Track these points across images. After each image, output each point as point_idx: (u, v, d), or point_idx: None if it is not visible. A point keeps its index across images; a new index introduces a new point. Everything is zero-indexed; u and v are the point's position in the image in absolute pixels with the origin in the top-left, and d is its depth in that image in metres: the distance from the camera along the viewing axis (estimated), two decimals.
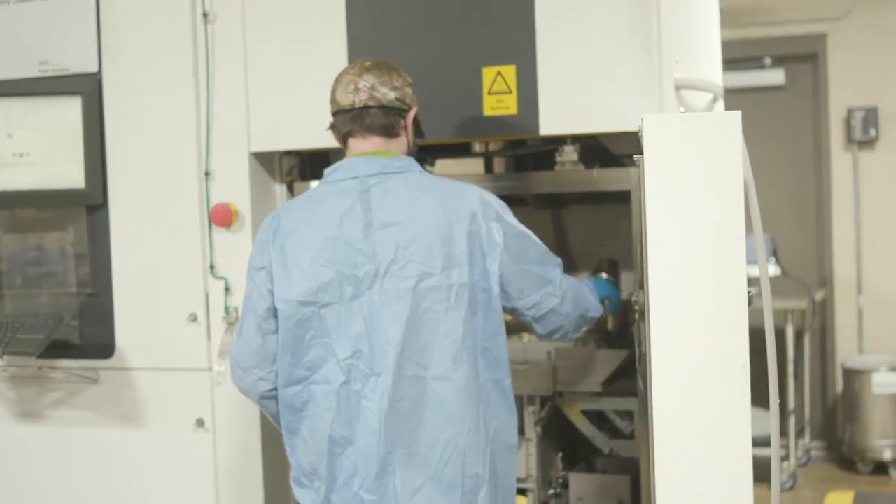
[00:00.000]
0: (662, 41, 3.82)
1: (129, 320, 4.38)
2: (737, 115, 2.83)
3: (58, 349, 4.39)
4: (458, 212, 3.26)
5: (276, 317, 3.37)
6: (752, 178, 3.05)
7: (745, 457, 2.81)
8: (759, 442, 7.80)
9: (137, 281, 4.36)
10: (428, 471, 3.20)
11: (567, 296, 3.45)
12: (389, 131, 3.42)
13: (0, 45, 4.50)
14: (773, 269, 7.99)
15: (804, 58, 8.84)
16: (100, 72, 4.37)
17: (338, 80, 3.44)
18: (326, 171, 3.48)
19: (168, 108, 4.30)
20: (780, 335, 7.96)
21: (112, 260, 4.39)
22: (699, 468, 2.84)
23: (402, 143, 3.46)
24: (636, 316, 3.51)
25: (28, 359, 4.30)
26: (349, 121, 3.41)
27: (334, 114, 3.46)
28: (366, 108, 3.38)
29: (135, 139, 4.33)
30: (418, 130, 3.59)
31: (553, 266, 3.44)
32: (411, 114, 3.46)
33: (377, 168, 3.35)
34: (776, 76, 8.87)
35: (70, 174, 4.37)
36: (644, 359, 3.39)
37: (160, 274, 4.31)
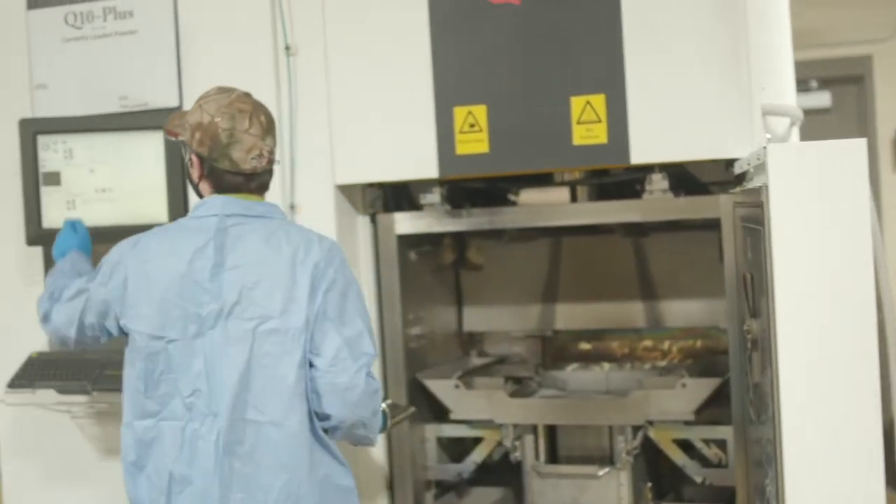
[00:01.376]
0: (752, 68, 3.82)
1: None
2: (862, 142, 2.81)
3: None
4: (304, 259, 3.26)
5: (97, 331, 3.47)
6: (874, 205, 3.03)
7: (878, 486, 2.78)
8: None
9: None
10: None
11: (355, 389, 3.24)
12: (268, 185, 3.47)
13: (81, 80, 4.49)
14: None
15: (850, 80, 8.81)
16: (181, 106, 4.36)
17: (234, 137, 3.31)
18: (193, 206, 3.47)
19: None
20: None
21: None
22: (833, 497, 2.81)
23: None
24: (748, 345, 3.47)
25: (115, 395, 4.28)
26: (243, 179, 3.35)
27: (223, 170, 3.34)
28: (265, 171, 3.41)
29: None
30: None
31: (363, 352, 3.28)
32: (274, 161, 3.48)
33: (239, 209, 3.34)
34: (822, 99, 8.84)
35: (152, 209, 4.35)
36: (757, 388, 3.37)
37: None
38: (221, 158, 3.31)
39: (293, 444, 3.20)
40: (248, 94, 3.41)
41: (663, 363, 4.78)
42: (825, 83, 8.87)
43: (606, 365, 4.81)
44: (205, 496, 3.21)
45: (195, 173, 3.40)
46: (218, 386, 3.20)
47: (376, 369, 4.38)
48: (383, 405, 3.55)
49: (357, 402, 3.23)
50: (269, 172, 3.42)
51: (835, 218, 2.81)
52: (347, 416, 3.24)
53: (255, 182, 3.37)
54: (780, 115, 4.14)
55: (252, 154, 3.32)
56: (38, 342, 4.54)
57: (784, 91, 4.44)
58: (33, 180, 4.39)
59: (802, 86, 8.77)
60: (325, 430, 3.28)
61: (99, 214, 4.41)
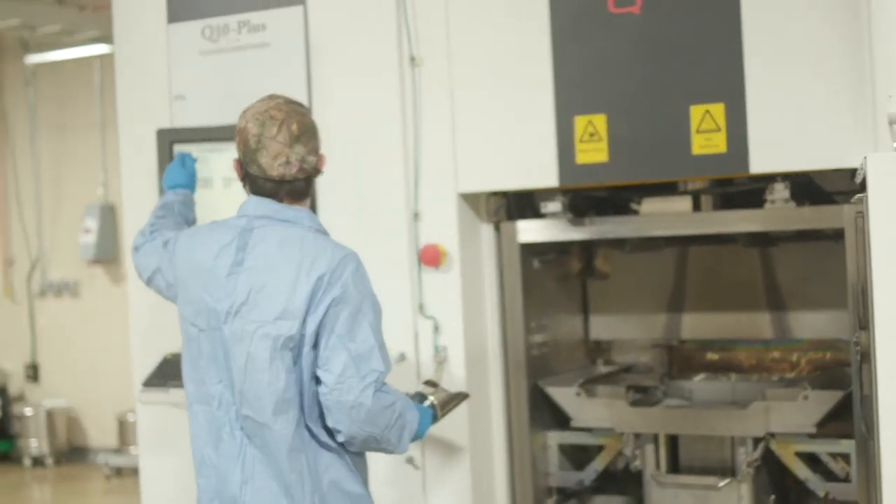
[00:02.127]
0: (876, 75, 3.75)
1: None
2: None
3: None
4: (309, 270, 3.27)
5: (164, 292, 3.73)
6: None
7: None
8: None
9: None
10: None
11: (362, 407, 3.24)
12: (307, 193, 3.48)
13: (216, 91, 4.64)
14: None
15: None
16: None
17: (262, 143, 3.37)
18: None
19: (377, 151, 4.38)
20: None
21: None
22: None
23: (308, 199, 3.52)
24: (857, 357, 3.41)
25: None
26: (275, 188, 3.41)
27: (255, 175, 3.42)
28: (296, 179, 3.41)
29: (345, 182, 4.41)
30: None
31: (371, 369, 3.26)
32: (322, 159, 3.50)
33: (267, 212, 3.40)
34: None
35: None
36: (867, 401, 3.31)
37: None
38: (251, 163, 3.40)
39: (285, 446, 3.26)
40: (290, 102, 3.46)
41: (791, 375, 4.72)
42: None
43: (734, 376, 4.76)
44: (227, 481, 3.35)
45: (238, 175, 3.51)
46: (235, 379, 3.32)
47: (497, 374, 4.44)
48: (431, 399, 3.59)
49: (365, 420, 3.25)
50: (304, 181, 3.43)
51: None
52: (357, 432, 3.27)
53: (285, 189, 3.41)
54: None
55: (279, 161, 3.36)
56: (174, 344, 4.70)
57: None
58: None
59: None
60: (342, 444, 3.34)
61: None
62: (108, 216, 10.59)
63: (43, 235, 11.32)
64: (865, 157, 2.83)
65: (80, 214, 10.80)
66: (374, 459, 4.33)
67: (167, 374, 4.53)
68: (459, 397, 3.87)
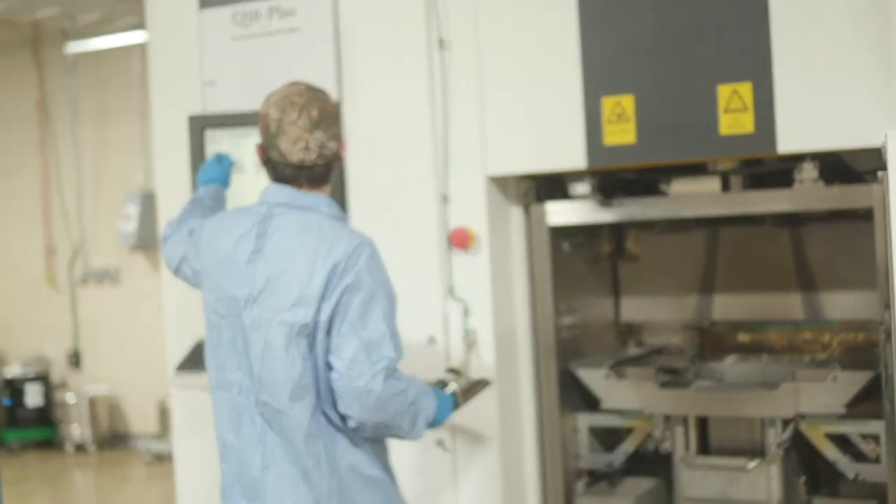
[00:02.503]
0: None
1: None
2: None
3: None
4: (325, 257, 3.31)
5: (191, 280, 3.78)
6: None
7: None
8: None
9: None
10: (292, 493, 3.35)
11: (372, 392, 3.29)
12: (326, 179, 3.50)
13: (247, 77, 4.67)
14: None
15: None
16: (340, 100, 4.49)
17: (282, 128, 3.41)
18: None
19: (406, 134, 4.40)
20: None
21: None
22: None
23: (329, 185, 3.54)
24: (882, 337, 3.40)
25: None
26: (295, 172, 3.45)
27: (275, 160, 3.46)
28: (315, 165, 3.44)
29: (375, 166, 4.44)
30: None
31: (382, 356, 3.31)
32: (343, 148, 3.54)
33: (286, 199, 3.45)
34: None
35: None
36: (890, 381, 3.30)
37: (402, 297, 4.34)
38: (271, 148, 3.43)
39: (302, 432, 3.32)
40: (311, 89, 3.49)
41: (823, 356, 4.70)
42: None
43: (765, 357, 4.75)
44: (248, 466, 3.40)
45: (260, 160, 3.54)
46: (253, 365, 3.37)
47: (526, 356, 4.45)
48: (453, 387, 3.61)
49: (375, 406, 3.29)
50: (323, 167, 3.46)
51: None
52: (367, 418, 3.31)
53: (304, 174, 3.44)
54: None
55: (298, 146, 3.39)
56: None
57: None
58: None
59: None
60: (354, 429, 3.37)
61: None
62: (149, 203, 10.65)
63: (84, 223, 11.42)
64: (886, 135, 2.81)
65: (120, 202, 10.89)
66: (404, 443, 4.38)
67: (200, 357, 4.55)
68: (482, 384, 3.90)
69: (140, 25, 9.57)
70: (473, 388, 3.83)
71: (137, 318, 10.95)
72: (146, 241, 10.74)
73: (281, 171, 3.46)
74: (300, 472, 3.33)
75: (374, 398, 3.27)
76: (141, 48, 10.56)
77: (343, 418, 3.35)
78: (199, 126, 4.61)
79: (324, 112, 3.44)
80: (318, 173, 3.46)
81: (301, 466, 3.33)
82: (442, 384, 3.72)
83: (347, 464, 3.37)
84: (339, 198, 4.44)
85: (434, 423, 3.56)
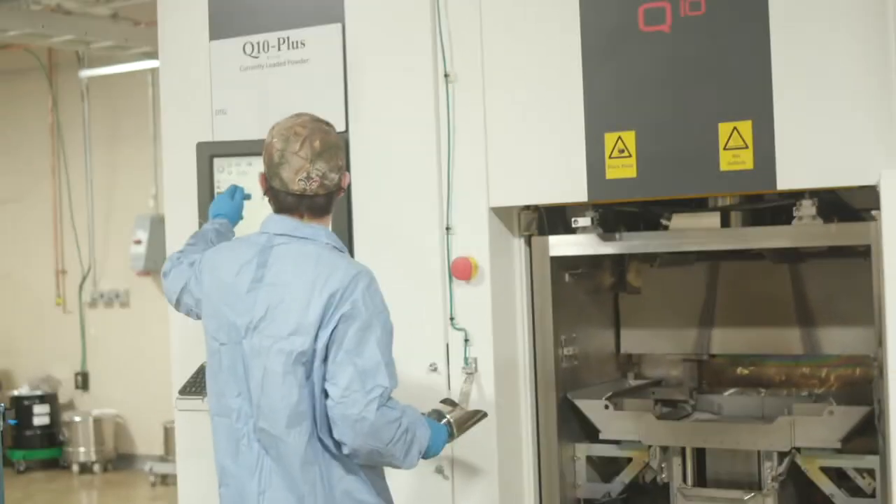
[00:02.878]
0: None
1: None
2: None
3: None
4: (322, 287, 3.36)
5: (192, 312, 3.85)
6: None
7: None
8: None
9: None
10: None
11: (367, 421, 3.32)
12: (327, 209, 3.55)
13: (257, 106, 4.74)
14: None
15: None
16: (346, 131, 4.56)
17: (284, 157, 3.47)
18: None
19: (411, 165, 4.46)
20: None
21: None
22: None
23: (330, 216, 3.59)
24: (876, 372, 3.45)
25: None
26: (296, 202, 3.50)
27: (277, 189, 3.51)
28: (316, 195, 3.49)
29: (379, 196, 4.50)
30: None
31: (376, 384, 3.34)
32: (346, 181, 3.57)
33: (286, 229, 3.50)
34: None
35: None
36: (883, 416, 3.35)
37: (404, 325, 4.38)
38: (274, 177, 3.50)
39: (298, 458, 3.37)
40: (316, 120, 3.55)
41: (820, 390, 4.74)
42: None
43: (763, 391, 4.80)
44: (245, 491, 3.46)
45: (262, 189, 3.60)
46: (252, 393, 3.43)
47: (526, 386, 4.49)
48: (448, 418, 3.66)
49: (368, 433, 3.32)
50: (324, 197, 3.51)
51: None
52: (360, 445, 3.34)
53: (305, 204, 3.49)
54: None
55: (300, 175, 3.45)
56: None
57: None
58: (208, 199, 4.65)
59: None
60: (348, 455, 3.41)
61: None
62: (158, 227, 10.71)
63: (94, 246, 11.52)
64: (881, 174, 2.87)
65: (130, 225, 10.98)
66: (404, 471, 4.41)
67: (203, 381, 4.61)
68: (478, 416, 3.93)
69: (154, 53, 9.69)
70: (469, 419, 3.87)
71: (145, 341, 11.03)
72: (155, 265, 10.83)
73: (282, 199, 3.51)
74: (296, 498, 3.38)
75: (367, 426, 3.31)
76: (153, 74, 10.69)
77: (338, 444, 3.39)
78: (208, 154, 4.68)
79: (326, 143, 3.50)
80: (319, 203, 3.52)
81: (297, 492, 3.38)
82: (438, 415, 3.77)
83: (342, 490, 3.41)
84: (344, 227, 4.51)
85: (428, 454, 3.59)
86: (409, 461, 3.49)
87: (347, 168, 3.69)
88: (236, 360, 3.46)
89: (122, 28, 9.54)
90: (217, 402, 3.54)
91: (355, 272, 3.41)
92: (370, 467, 3.49)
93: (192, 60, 4.93)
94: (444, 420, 3.73)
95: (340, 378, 3.33)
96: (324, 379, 3.37)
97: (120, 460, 11.35)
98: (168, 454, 10.50)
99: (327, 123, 3.58)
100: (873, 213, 3.12)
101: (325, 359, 3.36)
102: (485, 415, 4.02)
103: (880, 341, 3.33)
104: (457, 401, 4.12)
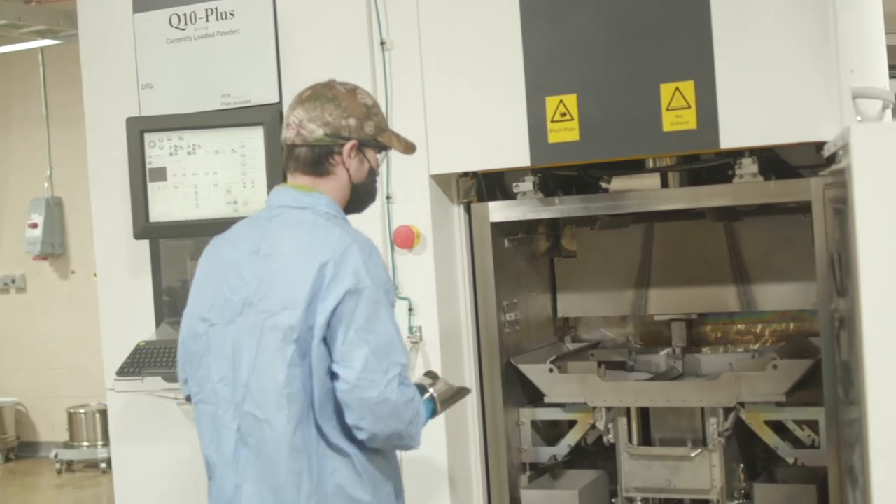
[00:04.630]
0: (840, 51, 3.86)
1: None
2: None
3: None
4: (315, 255, 3.11)
5: None
6: None
7: None
8: None
9: None
10: None
11: (387, 401, 3.08)
12: (319, 169, 3.29)
13: (185, 79, 4.66)
14: None
15: None
16: (280, 102, 4.51)
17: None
18: None
19: None
20: None
21: None
22: None
23: (336, 179, 3.32)
24: (836, 324, 3.51)
25: None
26: (285, 156, 3.34)
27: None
28: (294, 145, 3.30)
29: None
30: (389, 145, 3.43)
31: (393, 362, 3.11)
32: (348, 146, 3.28)
33: (286, 201, 3.29)
34: None
35: (255, 202, 4.50)
36: (845, 367, 3.41)
37: None
38: None
39: (284, 444, 3.11)
40: (338, 83, 3.36)
41: (757, 346, 4.83)
42: None
43: (706, 349, 4.86)
44: (223, 484, 3.24)
45: None
46: (238, 375, 3.18)
47: (470, 352, 4.50)
48: (430, 392, 3.46)
49: (390, 416, 3.09)
50: (307, 150, 3.28)
51: None
52: (381, 429, 3.10)
53: (292, 158, 3.30)
54: (870, 97, 4.16)
55: (283, 124, 3.32)
56: (146, 332, 4.73)
57: (875, 74, 4.46)
58: (140, 176, 4.57)
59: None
60: (362, 441, 3.15)
61: (203, 208, 4.57)
62: (54, 210, 10.54)
63: None
64: (848, 128, 2.92)
65: (25, 209, 10.73)
66: None
67: (141, 362, 4.55)
68: (462, 393, 3.81)
69: (47, 31, 9.47)
70: (453, 395, 3.76)
71: (44, 326, 10.81)
72: (52, 249, 10.61)
73: (283, 157, 3.37)
74: (270, 490, 3.13)
75: (389, 407, 3.08)
76: (43, 53, 10.44)
77: (345, 433, 3.15)
78: (137, 129, 4.59)
79: (316, 94, 3.31)
80: (304, 157, 3.29)
81: (273, 484, 3.13)
82: (421, 389, 3.61)
83: (335, 483, 3.15)
84: None
85: None
86: (418, 441, 3.26)
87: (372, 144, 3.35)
88: (225, 342, 3.21)
89: (14, 6, 9.28)
90: (201, 388, 3.30)
91: (350, 241, 3.15)
92: (367, 462, 3.19)
93: (115, 34, 4.83)
94: (427, 395, 3.49)
95: (355, 359, 3.06)
96: (324, 360, 3.10)
97: (22, 448, 11.12)
98: (73, 440, 10.31)
99: (349, 86, 3.37)
100: (832, 168, 3.16)
101: (326, 339, 3.09)
102: (469, 391, 3.85)
103: (840, 293, 3.39)
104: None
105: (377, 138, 3.36)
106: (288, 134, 3.29)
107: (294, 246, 3.18)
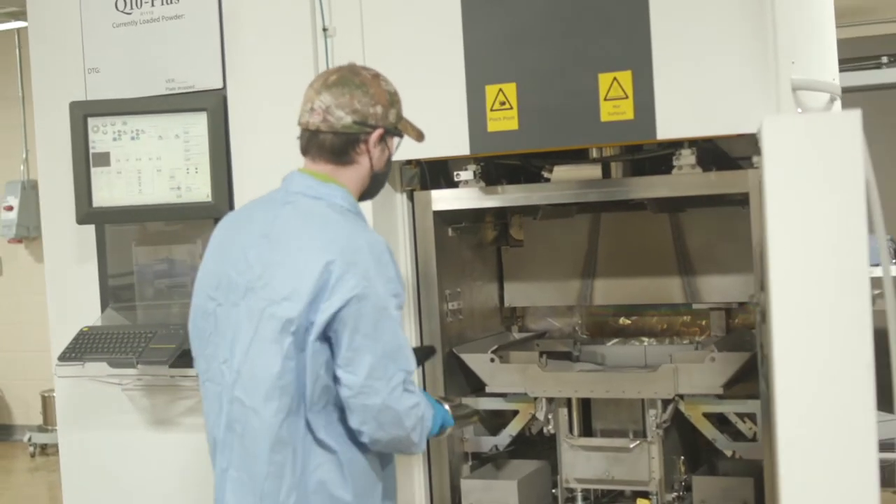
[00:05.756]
0: (778, 42, 3.83)
1: None
2: (857, 113, 2.84)
3: (188, 358, 4.49)
4: (322, 252, 3.06)
5: None
6: (873, 177, 3.05)
7: (870, 457, 2.81)
8: (887, 446, 7.66)
9: None
10: (245, 501, 3.15)
11: (389, 409, 3.07)
12: (343, 158, 3.27)
13: (131, 64, 4.65)
14: (894, 270, 7.84)
15: None
16: (224, 87, 4.50)
17: (305, 93, 3.31)
18: None
19: (290, 121, 4.38)
20: None
21: None
22: (824, 469, 2.84)
23: (357, 168, 3.30)
24: (758, 317, 3.50)
25: (160, 367, 4.44)
26: (305, 140, 3.30)
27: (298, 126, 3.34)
28: (319, 131, 3.25)
29: (259, 152, 4.45)
30: (408, 131, 3.45)
31: (398, 369, 3.09)
32: (375, 135, 3.27)
33: (302, 188, 3.25)
34: (893, 74, 8.73)
35: (198, 188, 4.50)
36: (766, 360, 3.40)
37: None
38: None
39: (266, 436, 3.09)
40: (362, 68, 3.35)
41: (701, 338, 4.81)
42: None
43: (646, 340, 4.86)
44: (218, 464, 3.26)
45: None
46: (233, 359, 3.17)
47: (413, 341, 4.48)
48: (446, 406, 3.48)
49: (392, 422, 3.08)
50: (333, 137, 3.23)
51: (830, 189, 2.83)
52: (382, 435, 3.10)
53: (313, 143, 3.27)
54: (811, 89, 4.13)
55: (305, 107, 3.27)
56: (91, 317, 4.72)
57: (823, 66, 4.44)
58: (84, 161, 4.56)
59: (874, 62, 8.71)
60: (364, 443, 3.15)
61: (147, 194, 4.56)
62: (30, 193, 10.51)
63: None
64: (762, 122, 2.90)
65: (1, 192, 10.72)
66: None
67: (84, 347, 4.54)
68: (473, 417, 3.83)
69: (21, 13, 9.43)
70: (464, 416, 3.75)
71: (20, 309, 10.80)
72: (28, 232, 10.59)
73: (300, 140, 3.32)
74: (251, 479, 3.13)
75: (391, 415, 3.07)
76: (20, 34, 10.41)
77: (337, 431, 3.14)
78: (81, 113, 4.57)
79: (343, 80, 3.25)
80: (329, 144, 3.24)
81: (254, 473, 3.13)
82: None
83: (318, 480, 3.11)
84: (225, 185, 4.45)
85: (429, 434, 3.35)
86: (422, 446, 3.25)
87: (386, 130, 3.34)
88: (229, 323, 3.19)
89: None
90: (209, 367, 3.27)
91: (362, 243, 3.10)
92: (354, 463, 3.16)
93: (63, 18, 4.81)
94: (445, 406, 3.51)
95: (359, 366, 3.03)
96: (321, 356, 3.06)
97: None
98: (47, 424, 10.32)
99: (370, 71, 3.34)
100: (753, 160, 3.15)
101: (327, 338, 3.05)
102: (480, 416, 3.92)
103: (762, 286, 3.38)
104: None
105: (397, 126, 3.36)
106: (312, 119, 3.25)
107: (302, 238, 3.13)
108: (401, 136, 3.41)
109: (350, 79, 3.25)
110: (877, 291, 7.34)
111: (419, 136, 3.48)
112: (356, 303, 3.03)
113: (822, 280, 2.83)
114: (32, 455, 10.30)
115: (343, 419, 3.13)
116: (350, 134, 3.24)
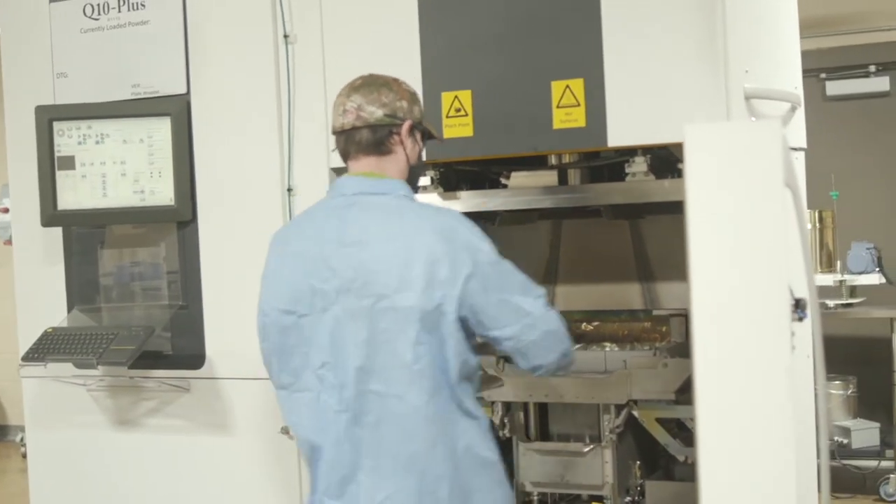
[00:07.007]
0: (729, 51, 3.86)
1: (218, 332, 4.55)
2: (776, 122, 2.86)
3: (151, 360, 4.56)
4: (421, 236, 3.25)
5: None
6: (798, 185, 3.07)
7: (787, 463, 2.83)
8: (869, 453, 7.66)
9: (226, 294, 4.53)
10: (390, 484, 3.27)
11: (549, 330, 3.36)
12: (381, 149, 3.44)
13: (97, 69, 4.70)
14: (877, 278, 7.87)
15: None
16: (188, 93, 4.55)
17: (334, 103, 3.51)
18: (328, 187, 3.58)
19: (252, 126, 4.46)
20: (886, 344, 7.85)
21: (202, 274, 4.57)
22: (743, 475, 2.87)
23: (397, 158, 3.48)
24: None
25: (121, 368, 4.49)
26: (343, 142, 3.47)
27: (334, 135, 3.53)
28: (354, 128, 3.43)
29: (221, 157, 4.50)
30: (428, 134, 3.62)
31: (533, 298, 3.36)
32: (405, 126, 3.46)
33: (363, 188, 3.40)
34: (881, 83, 8.76)
35: (161, 192, 4.55)
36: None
37: (248, 287, 4.42)
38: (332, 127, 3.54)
39: (417, 417, 3.24)
40: (374, 74, 3.54)
41: (660, 344, 4.84)
42: (884, 67, 8.77)
43: (607, 346, 4.88)
44: (336, 464, 3.33)
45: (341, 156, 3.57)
46: (343, 359, 3.27)
47: None
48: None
49: (558, 339, 3.38)
50: (368, 131, 3.43)
51: (748, 197, 2.85)
52: (554, 357, 3.37)
53: (352, 143, 3.45)
54: (765, 98, 4.16)
55: (338, 111, 3.46)
56: (56, 318, 4.77)
57: (783, 75, 4.45)
58: (49, 164, 4.61)
59: (861, 70, 8.73)
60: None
61: (112, 198, 4.61)
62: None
63: None
64: (684, 129, 2.93)
65: None
66: (248, 430, 4.43)
67: (46, 348, 4.59)
68: (496, 383, 4.16)
69: None
70: (488, 381, 3.91)
71: (14, 309, 10.82)
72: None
73: (337, 146, 3.51)
74: (401, 463, 3.27)
75: (554, 335, 3.37)
76: None
77: (475, 397, 3.37)
78: (46, 117, 4.62)
79: (368, 80, 3.48)
80: (366, 139, 3.44)
81: (403, 456, 3.26)
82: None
83: (465, 444, 3.31)
84: (188, 189, 4.50)
85: None
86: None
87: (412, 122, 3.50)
88: (321, 330, 3.31)
89: None
90: (297, 378, 3.37)
91: (447, 219, 3.34)
92: (491, 425, 3.48)
93: (33, 23, 4.86)
94: None
95: (507, 317, 3.30)
96: (459, 333, 3.26)
97: None
98: None
99: (394, 78, 3.54)
100: (679, 167, 3.19)
101: (461, 318, 3.25)
102: (502, 384, 4.19)
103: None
104: None
105: (422, 122, 3.54)
106: (346, 119, 3.43)
107: (391, 232, 3.30)
108: (425, 132, 3.58)
109: (374, 80, 3.48)
110: (862, 298, 7.38)
111: (440, 137, 3.72)
112: (472, 280, 3.25)
113: (742, 287, 2.86)
114: (24, 455, 10.33)
115: (476, 389, 3.40)
116: (383, 126, 3.43)
